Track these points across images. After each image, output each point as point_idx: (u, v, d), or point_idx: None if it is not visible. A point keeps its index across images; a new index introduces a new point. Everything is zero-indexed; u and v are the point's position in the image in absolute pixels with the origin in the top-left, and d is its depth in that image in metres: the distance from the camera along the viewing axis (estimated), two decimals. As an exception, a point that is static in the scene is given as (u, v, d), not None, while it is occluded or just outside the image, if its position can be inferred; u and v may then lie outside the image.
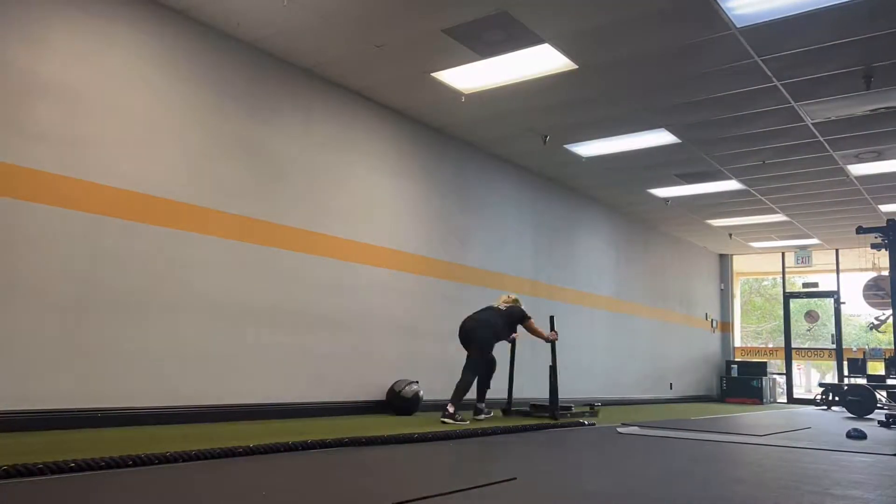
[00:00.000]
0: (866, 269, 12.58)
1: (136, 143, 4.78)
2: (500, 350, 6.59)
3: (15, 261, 4.13)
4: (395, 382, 6.33)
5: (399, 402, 6.21)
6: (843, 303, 12.99)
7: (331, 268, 6.05)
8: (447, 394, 6.22)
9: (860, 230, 8.46)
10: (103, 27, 4.65)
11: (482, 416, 6.22)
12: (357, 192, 6.38)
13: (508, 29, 5.08)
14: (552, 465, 3.36)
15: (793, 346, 13.61)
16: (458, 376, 6.02)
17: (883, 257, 9.33)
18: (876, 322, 12.26)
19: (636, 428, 5.68)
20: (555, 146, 7.74)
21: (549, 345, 6.73)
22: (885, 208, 9.90)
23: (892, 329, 10.69)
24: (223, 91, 5.32)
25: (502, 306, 6.38)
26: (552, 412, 6.40)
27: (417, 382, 6.39)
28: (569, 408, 6.72)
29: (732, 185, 8.98)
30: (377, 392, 6.37)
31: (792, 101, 6.25)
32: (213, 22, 5.20)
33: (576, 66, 5.67)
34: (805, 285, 13.74)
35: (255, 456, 3.27)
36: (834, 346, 12.97)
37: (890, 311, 10.31)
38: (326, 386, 5.92)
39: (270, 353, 5.49)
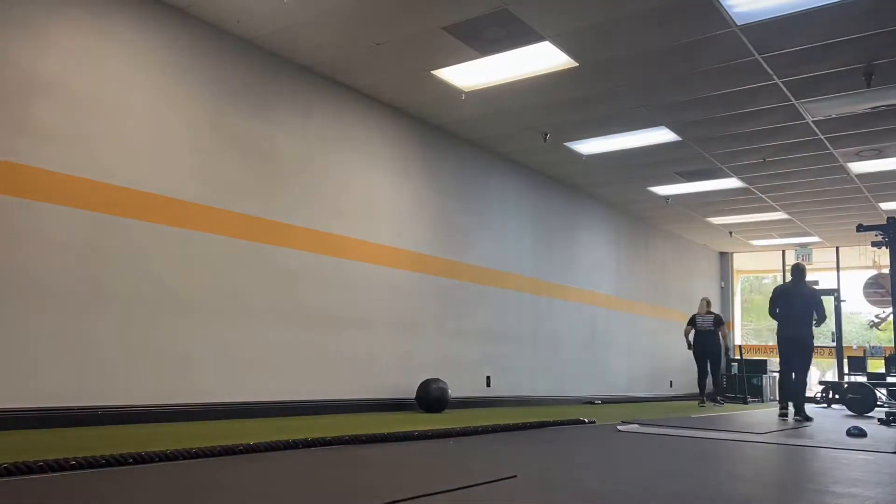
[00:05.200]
0: (867, 267, 12.58)
1: (137, 141, 4.78)
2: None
3: (16, 258, 4.13)
4: (424, 381, 6.48)
5: (428, 399, 6.39)
6: (844, 301, 12.97)
7: (331, 265, 6.05)
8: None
9: (860, 228, 8.44)
10: (104, 25, 4.64)
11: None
12: (357, 190, 6.38)
13: (509, 26, 5.08)
14: (552, 463, 3.36)
15: (793, 343, 13.56)
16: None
17: (883, 255, 9.31)
18: (876, 320, 12.27)
19: (636, 426, 5.68)
20: (555, 144, 7.73)
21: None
22: (886, 206, 9.90)
23: (892, 327, 10.69)
24: (223, 88, 5.32)
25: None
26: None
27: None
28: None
29: (733, 182, 8.97)
30: (381, 389, 6.38)
31: (792, 99, 6.24)
32: (214, 19, 5.20)
33: (576, 64, 5.66)
34: (805, 283, 13.70)
35: (256, 454, 3.27)
36: (834, 343, 12.96)
37: (890, 309, 10.31)
38: (328, 383, 5.92)
39: (273, 351, 5.49)
